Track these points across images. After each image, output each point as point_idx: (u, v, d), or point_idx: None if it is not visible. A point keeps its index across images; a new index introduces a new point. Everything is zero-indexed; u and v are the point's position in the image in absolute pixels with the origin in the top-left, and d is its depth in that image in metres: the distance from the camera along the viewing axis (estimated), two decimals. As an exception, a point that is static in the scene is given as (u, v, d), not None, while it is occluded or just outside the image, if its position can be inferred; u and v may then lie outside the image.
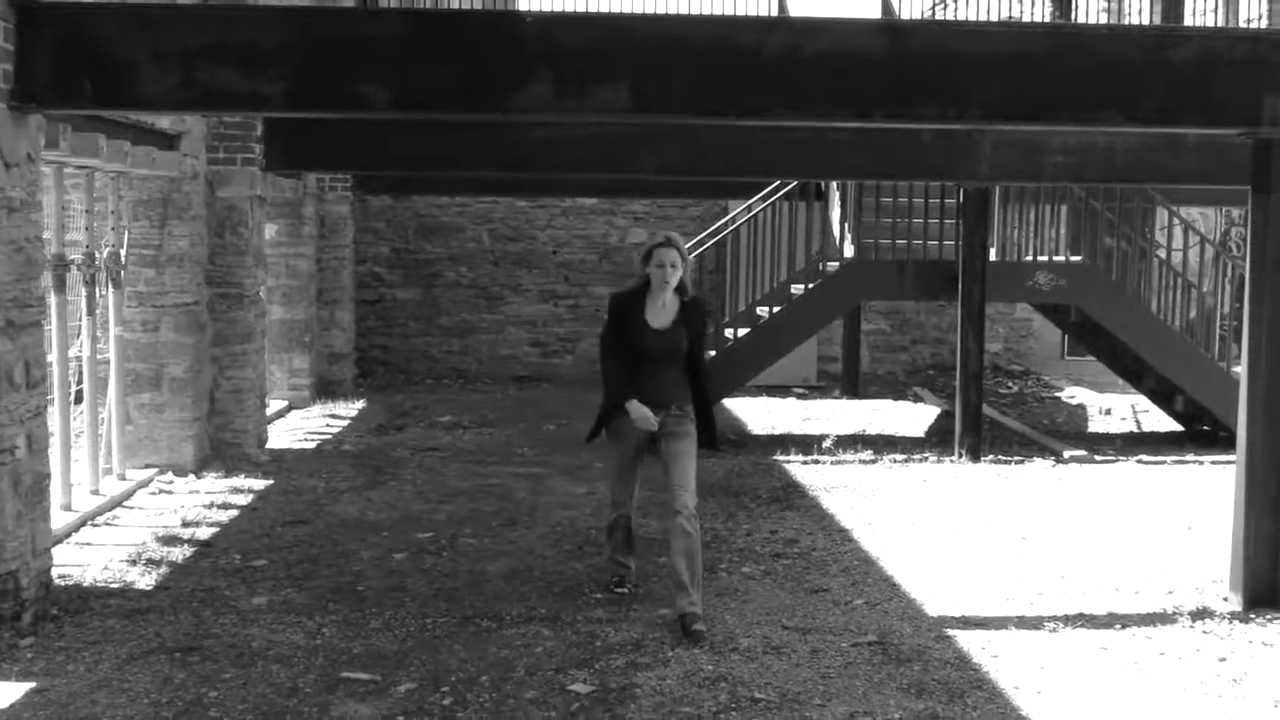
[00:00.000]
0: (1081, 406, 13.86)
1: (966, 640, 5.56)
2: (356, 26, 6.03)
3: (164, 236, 8.90)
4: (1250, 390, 6.03)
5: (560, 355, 16.06)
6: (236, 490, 8.56)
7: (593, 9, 12.13)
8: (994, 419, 12.40)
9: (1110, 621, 5.87)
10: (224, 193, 9.42)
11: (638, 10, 11.90)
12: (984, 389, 14.72)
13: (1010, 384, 15.64)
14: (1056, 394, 14.82)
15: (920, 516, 8.10)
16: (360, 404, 13.15)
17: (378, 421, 12.01)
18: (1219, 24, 16.56)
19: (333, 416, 12.28)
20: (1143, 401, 12.81)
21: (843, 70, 5.60)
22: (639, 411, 5.77)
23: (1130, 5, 19.34)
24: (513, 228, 15.95)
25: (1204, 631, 5.73)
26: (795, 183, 11.30)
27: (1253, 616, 5.93)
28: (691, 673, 5.09)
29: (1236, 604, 6.08)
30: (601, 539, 6.61)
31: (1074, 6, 21.26)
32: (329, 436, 11.12)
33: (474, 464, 9.84)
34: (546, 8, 14.49)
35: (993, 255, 11.06)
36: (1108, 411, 13.31)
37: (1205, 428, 11.26)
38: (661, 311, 5.87)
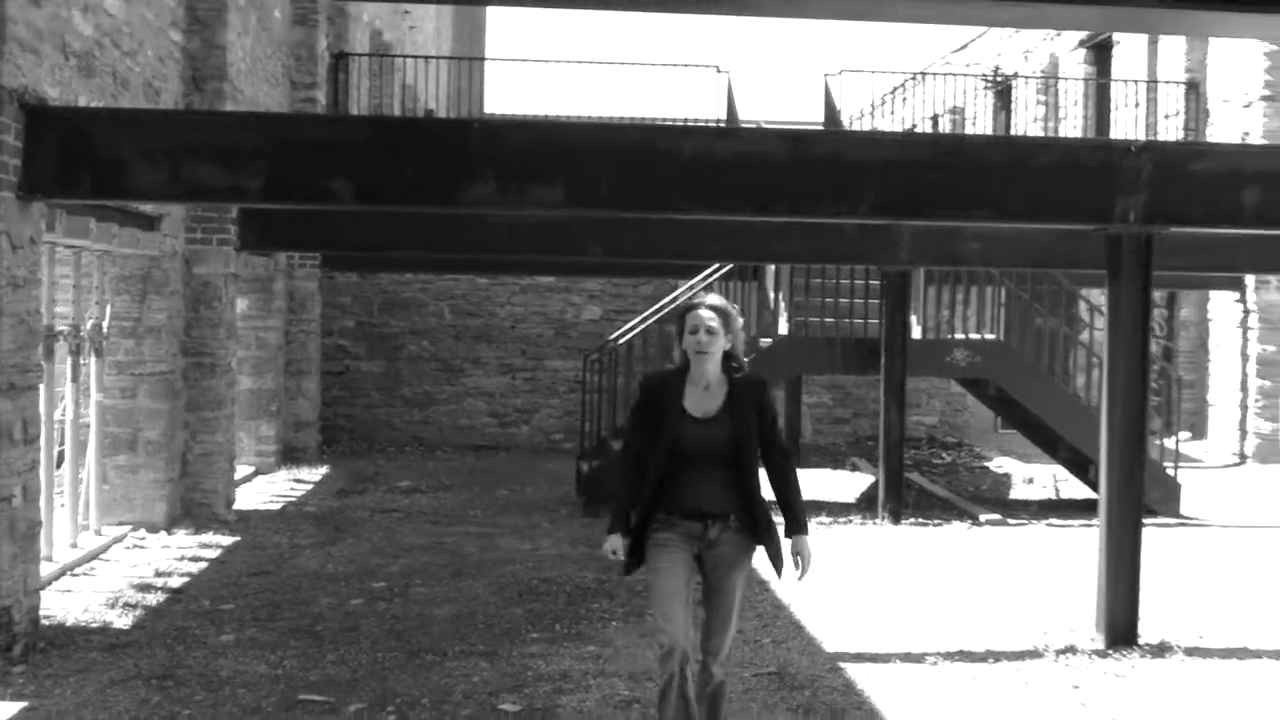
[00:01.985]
0: (1007, 475, 14.69)
1: (855, 671, 6.29)
2: (325, 131, 6.88)
3: (143, 310, 9.63)
4: (1108, 456, 6.87)
5: (517, 425, 16.79)
6: (206, 545, 9.23)
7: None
8: (922, 486, 13.18)
9: (986, 656, 6.63)
10: (200, 270, 10.18)
11: (580, 115, 12.78)
12: (920, 459, 15.64)
13: (945, 454, 16.46)
14: (986, 464, 15.66)
15: (836, 571, 8.84)
16: (324, 469, 13.83)
17: (340, 486, 12.70)
18: (1143, 114, 17.73)
19: (297, 481, 12.96)
20: (1063, 471, 13.64)
21: (748, 171, 6.45)
22: (609, 544, 4.72)
23: (1065, 97, 20.56)
24: (473, 304, 16.76)
25: (1066, 665, 6.50)
26: (733, 265, 12.17)
27: (1110, 653, 6.70)
28: (609, 696, 5.81)
29: (1100, 643, 6.85)
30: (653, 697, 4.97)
31: (1013, 99, 22.53)
32: (293, 499, 11.79)
33: (429, 524, 10.54)
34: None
35: (916, 333, 11.94)
36: (1030, 480, 14.14)
37: (1114, 495, 12.07)
38: (704, 396, 4.67)
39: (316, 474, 13.51)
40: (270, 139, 6.42)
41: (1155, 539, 10.09)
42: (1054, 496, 13.15)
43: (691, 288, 12.67)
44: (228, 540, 9.44)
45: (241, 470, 12.40)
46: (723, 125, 17.34)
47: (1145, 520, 10.38)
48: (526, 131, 6.69)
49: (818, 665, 6.40)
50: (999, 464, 15.59)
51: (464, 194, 6.47)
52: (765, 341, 12.10)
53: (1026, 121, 21.34)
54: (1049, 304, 12.26)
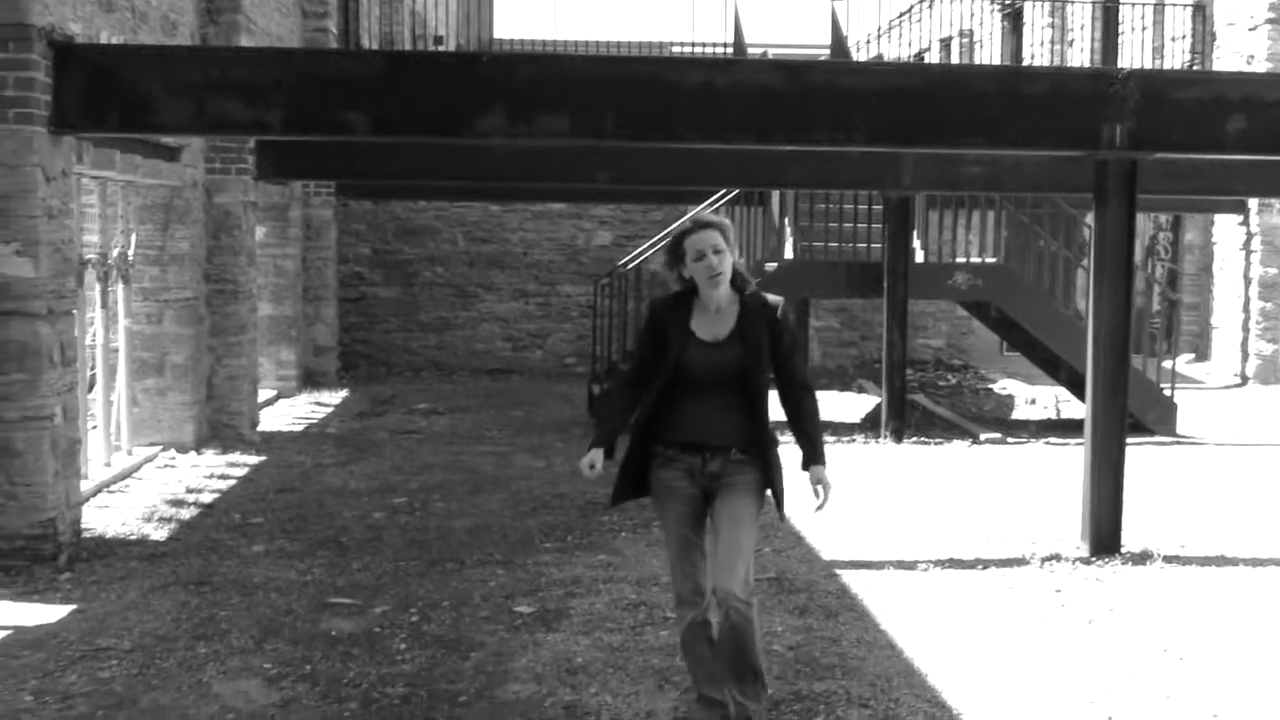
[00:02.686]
0: (1011, 396, 15.02)
1: (850, 577, 6.67)
2: (342, 65, 7.13)
3: (167, 238, 9.96)
4: (1093, 372, 7.18)
5: (530, 350, 17.14)
6: (233, 464, 9.64)
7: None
8: (925, 406, 13.52)
9: (975, 564, 7.01)
10: (220, 199, 10.49)
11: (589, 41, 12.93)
12: (926, 380, 15.98)
13: (950, 377, 16.78)
14: (990, 385, 15.98)
15: (837, 488, 9.19)
16: (343, 393, 14.24)
17: (360, 409, 13.10)
18: (1150, 37, 17.79)
19: (318, 404, 13.37)
20: (1064, 392, 13.95)
21: (749, 102, 6.70)
22: (587, 459, 4.44)
23: (1072, 20, 20.58)
24: (486, 230, 17.04)
25: (1050, 571, 6.87)
26: (739, 190, 12.42)
27: (1093, 560, 7.06)
28: (618, 600, 6.19)
29: (1084, 551, 7.21)
30: (675, 636, 4.80)
31: (1023, 22, 22.53)
32: (315, 421, 12.20)
33: (446, 444, 10.93)
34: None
35: (919, 257, 12.20)
36: (1032, 401, 14.47)
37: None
38: (714, 319, 4.36)
39: (336, 397, 13.92)
40: (290, 73, 6.69)
41: (1149, 457, 10.45)
42: (1055, 416, 13.47)
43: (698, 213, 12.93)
44: (254, 460, 9.85)
45: (264, 394, 12.78)
46: (729, 51, 17.48)
47: (1141, 439, 10.81)
48: (534, 64, 6.95)
49: (815, 572, 6.78)
50: (1003, 386, 15.91)
51: (474, 125, 6.74)
52: (771, 265, 12.37)
53: (1034, 45, 21.38)
54: (1050, 227, 12.50)
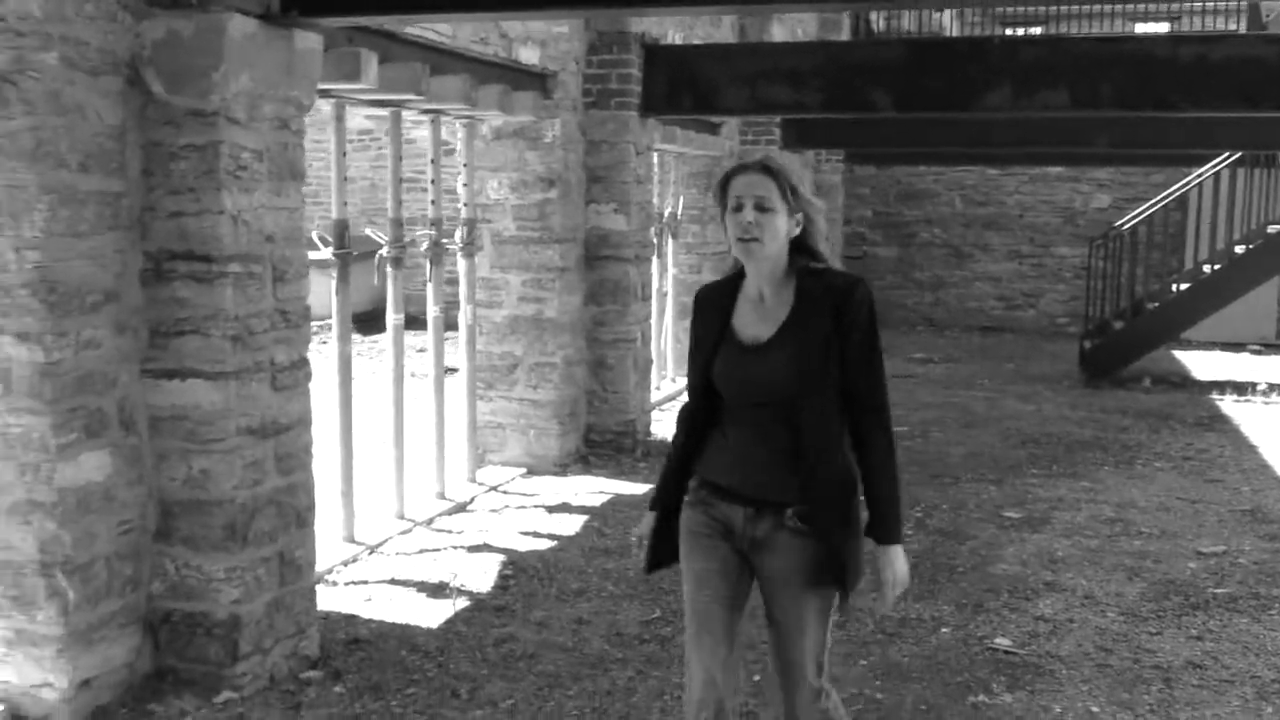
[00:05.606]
0: None
1: (1325, 514, 7.17)
2: (869, 52, 8.39)
3: (707, 200, 11.70)
4: None
5: (1023, 308, 17.77)
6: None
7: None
8: None
9: None
10: (751, 167, 12.11)
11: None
12: None
13: None
14: None
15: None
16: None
17: (860, 355, 14.44)
18: None
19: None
20: None
21: (1239, 72, 7.27)
22: (638, 528, 3.28)
23: None
24: (983, 194, 17.82)
25: None
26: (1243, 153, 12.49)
27: None
28: (1096, 515, 7.10)
29: None
30: None
31: None
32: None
33: (942, 388, 12.03)
34: None
35: None
36: None
37: None
38: (759, 311, 3.04)
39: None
40: (827, 61, 8.02)
41: None
42: None
43: (1198, 176, 13.12)
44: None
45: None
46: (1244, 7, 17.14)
47: None
48: (1037, 46, 7.86)
49: (1289, 507, 7.33)
50: None
51: (981, 100, 7.77)
52: (1275, 227, 12.38)
53: None
54: None
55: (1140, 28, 20.73)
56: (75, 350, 3.92)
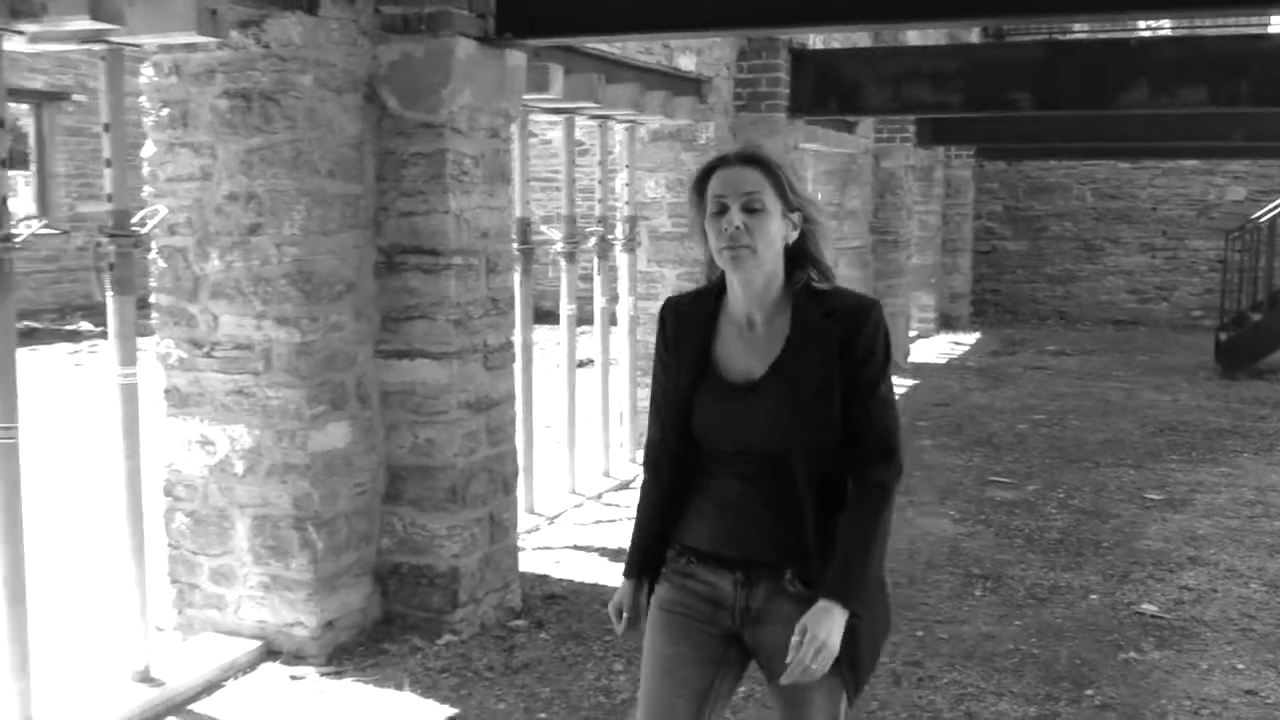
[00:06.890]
0: None
1: None
2: (1008, 53, 8.72)
3: (843, 196, 12.09)
4: None
5: (1155, 302, 17.77)
6: (895, 385, 11.60)
7: None
8: None
9: None
10: (886, 163, 12.48)
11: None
12: None
13: None
14: None
15: None
16: (976, 335, 15.91)
17: (992, 348, 14.69)
18: None
19: (955, 343, 15.14)
20: None
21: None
22: (613, 601, 2.67)
23: None
24: (1114, 187, 17.86)
25: None
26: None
27: None
28: (1237, 498, 7.35)
29: None
30: None
31: None
32: (954, 356, 13.97)
33: (1076, 379, 12.24)
34: None
35: None
36: None
37: None
38: (746, 339, 2.48)
39: (970, 338, 15.61)
40: (968, 63, 8.37)
41: None
42: None
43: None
44: (909, 382, 11.78)
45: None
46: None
47: None
48: (1175, 45, 8.11)
49: None
50: None
51: (1119, 99, 8.04)
52: None
53: None
54: None
55: (1277, 19, 20.44)
56: (324, 333, 4.51)
